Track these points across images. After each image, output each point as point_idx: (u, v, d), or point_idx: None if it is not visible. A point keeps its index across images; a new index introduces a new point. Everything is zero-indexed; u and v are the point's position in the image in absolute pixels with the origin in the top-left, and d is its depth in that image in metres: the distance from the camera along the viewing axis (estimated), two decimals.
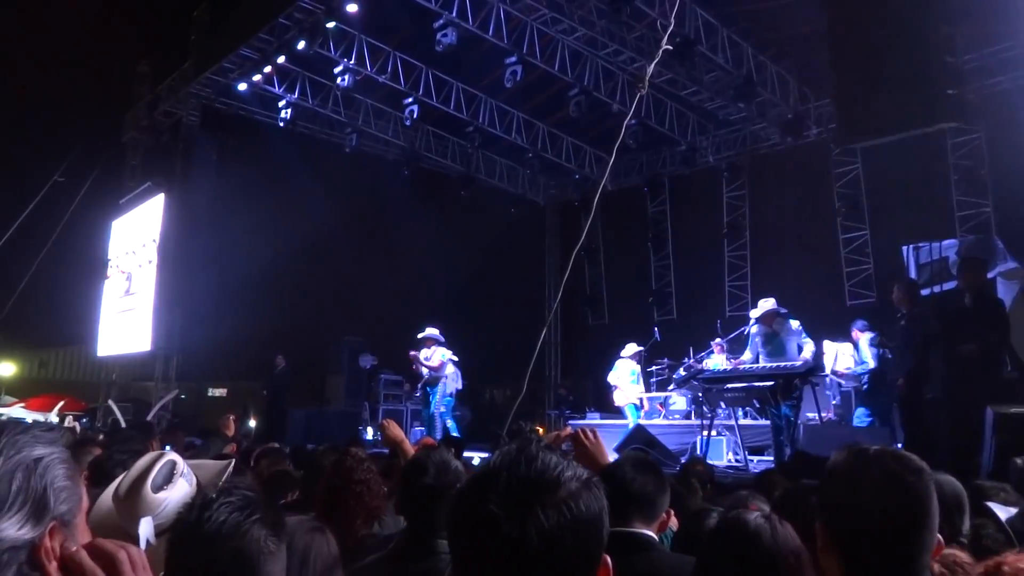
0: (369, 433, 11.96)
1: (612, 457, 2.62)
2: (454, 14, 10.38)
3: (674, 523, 2.46)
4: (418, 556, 2.17)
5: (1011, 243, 9.88)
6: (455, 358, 10.82)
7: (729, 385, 8.13)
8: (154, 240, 14.05)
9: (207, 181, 13.53)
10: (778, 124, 12.57)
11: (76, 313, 17.45)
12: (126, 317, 14.86)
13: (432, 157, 15.35)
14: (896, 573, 1.39)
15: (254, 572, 1.35)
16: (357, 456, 3.02)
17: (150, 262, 14.12)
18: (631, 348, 10.83)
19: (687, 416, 11.56)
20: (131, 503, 1.69)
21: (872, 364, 8.69)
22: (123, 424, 10.75)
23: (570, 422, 12.48)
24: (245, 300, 13.04)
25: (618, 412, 10.95)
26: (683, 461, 7.29)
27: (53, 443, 0.88)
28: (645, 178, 15.22)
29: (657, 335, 12.51)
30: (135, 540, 1.47)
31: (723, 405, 8.98)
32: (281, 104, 13.11)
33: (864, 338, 8.84)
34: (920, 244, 10.13)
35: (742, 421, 9.39)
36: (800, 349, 7.71)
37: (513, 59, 11.10)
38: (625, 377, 10.52)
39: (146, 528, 1.42)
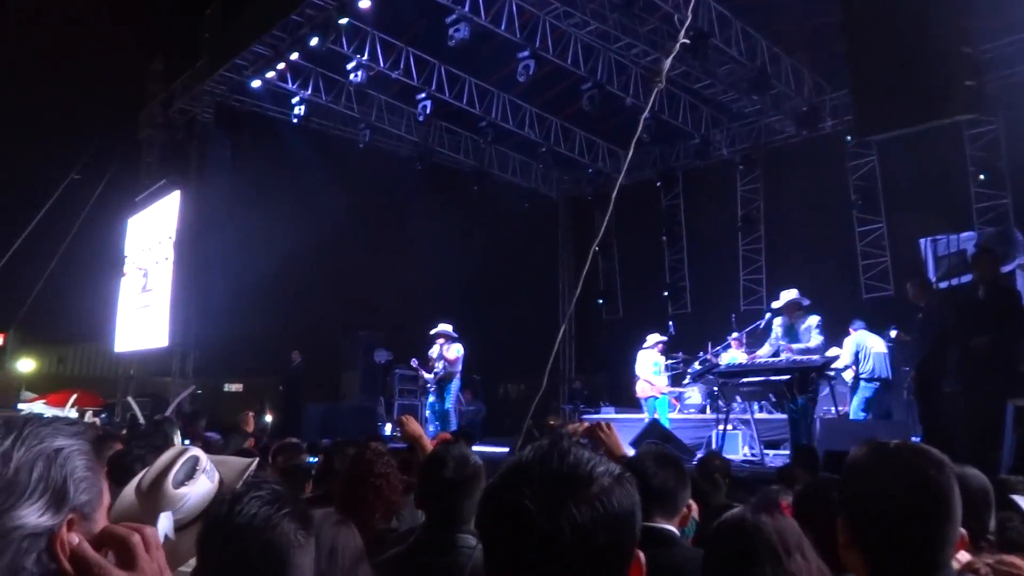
0: (388, 429, 11.99)
1: (628, 451, 2.63)
2: (467, 9, 10.38)
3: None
4: (438, 550, 2.18)
5: None
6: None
7: (745, 379, 8.11)
8: (170, 237, 14.15)
9: (222, 178, 13.61)
10: (793, 116, 12.49)
11: (94, 310, 17.58)
12: (143, 313, 14.98)
13: (445, 152, 15.36)
14: (919, 567, 1.38)
15: (285, 565, 1.37)
16: (377, 450, 3.04)
17: (166, 259, 14.22)
18: (652, 338, 10.58)
19: (702, 410, 11.54)
20: (152, 497, 1.72)
21: (850, 361, 8.93)
22: (141, 420, 10.84)
23: (584, 416, 12.48)
24: (260, 296, 13.11)
25: (637, 406, 10.84)
26: (698, 455, 7.29)
27: (74, 435, 0.89)
28: (659, 171, 15.17)
29: (672, 329, 12.47)
30: None
31: (739, 399, 8.96)
32: (294, 100, 13.15)
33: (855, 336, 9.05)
34: (938, 237, 10.04)
35: (757, 415, 9.35)
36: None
37: (526, 53, 11.09)
38: (647, 369, 10.38)
39: (165, 523, 1.44)
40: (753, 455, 8.71)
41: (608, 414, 11.83)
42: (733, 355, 9.95)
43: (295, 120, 13.26)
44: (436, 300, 13.85)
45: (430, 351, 10.76)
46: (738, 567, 1.56)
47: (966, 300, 7.09)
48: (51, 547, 0.82)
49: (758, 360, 8.14)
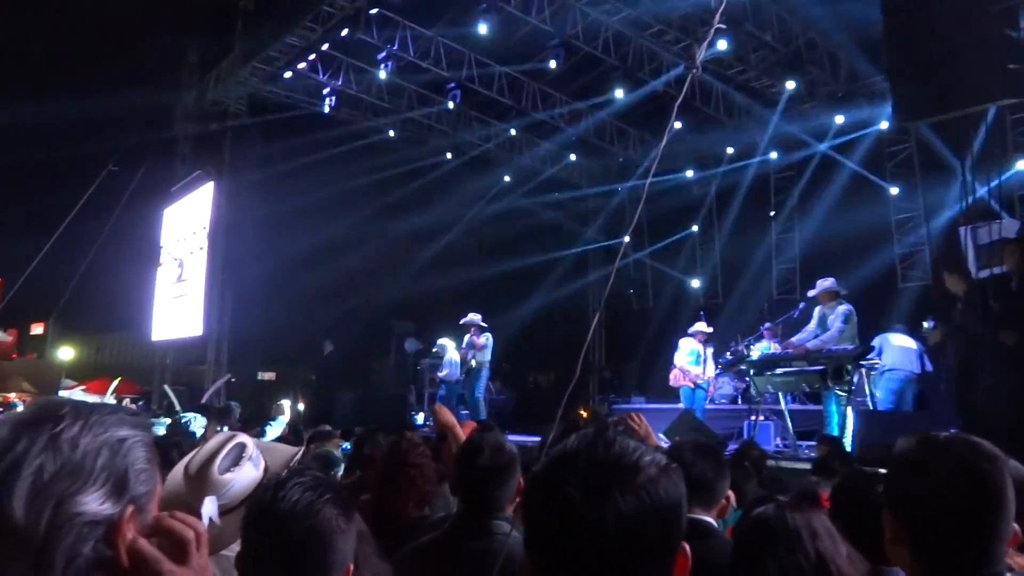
0: (420, 418, 12.08)
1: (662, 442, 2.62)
2: None
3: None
4: (473, 536, 2.20)
5: None
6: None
7: (778, 370, 8.02)
8: (204, 227, 14.35)
9: (255, 169, 13.78)
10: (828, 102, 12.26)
11: (130, 299, 17.92)
12: (178, 303, 15.23)
13: (475, 142, 15.36)
14: (971, 564, 1.35)
15: (327, 549, 1.40)
16: (412, 440, 3.06)
17: (201, 249, 14.43)
18: (696, 327, 10.33)
19: (733, 400, 11.43)
20: (199, 482, 1.76)
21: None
22: (178, 407, 11.04)
23: (614, 406, 12.45)
24: (293, 285, 13.27)
25: (668, 396, 10.70)
26: (730, 446, 7.24)
27: (138, 426, 0.89)
28: (691, 160, 15.00)
29: (703, 318, 12.35)
30: (199, 517, 1.54)
31: (771, 389, 8.86)
32: (325, 91, 13.23)
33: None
34: (978, 224, 9.80)
35: (790, 406, 9.23)
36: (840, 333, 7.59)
37: (556, 41, 11.02)
38: (683, 357, 10.21)
39: (210, 507, 1.47)
40: (786, 446, 8.63)
41: (639, 404, 11.78)
42: (765, 345, 9.83)
43: (326, 111, 13.35)
44: (465, 290, 13.90)
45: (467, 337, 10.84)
46: (757, 555, 1.55)
47: (999, 291, 6.91)
48: (111, 536, 0.83)
49: (791, 349, 8.05)
